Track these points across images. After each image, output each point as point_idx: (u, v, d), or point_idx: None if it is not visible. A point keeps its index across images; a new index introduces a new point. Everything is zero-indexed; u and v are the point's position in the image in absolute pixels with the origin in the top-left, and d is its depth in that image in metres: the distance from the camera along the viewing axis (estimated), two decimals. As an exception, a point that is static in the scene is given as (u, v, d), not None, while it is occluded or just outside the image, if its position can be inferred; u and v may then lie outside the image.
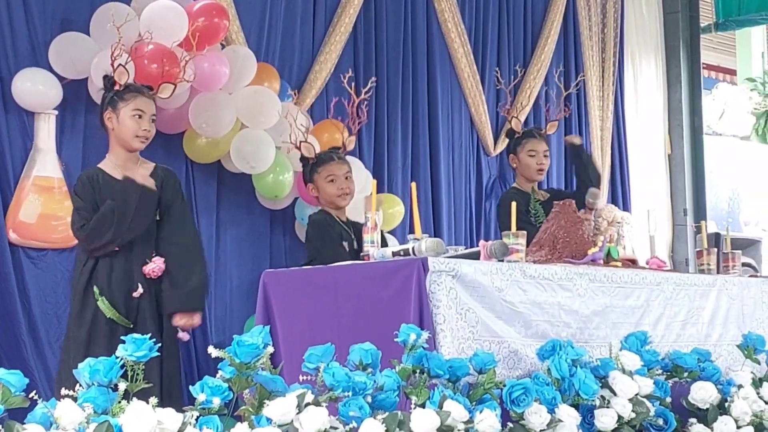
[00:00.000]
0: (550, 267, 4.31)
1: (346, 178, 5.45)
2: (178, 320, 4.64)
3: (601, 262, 4.66)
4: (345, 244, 5.28)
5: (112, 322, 4.53)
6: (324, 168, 5.43)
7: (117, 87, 4.70)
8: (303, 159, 5.55)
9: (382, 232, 4.48)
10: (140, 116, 4.67)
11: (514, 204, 4.54)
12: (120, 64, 4.73)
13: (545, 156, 6.15)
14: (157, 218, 4.71)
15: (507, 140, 6.60)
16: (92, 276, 4.58)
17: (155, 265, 4.62)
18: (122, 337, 4.36)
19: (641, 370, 4.19)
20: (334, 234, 5.31)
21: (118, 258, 4.59)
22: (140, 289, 4.58)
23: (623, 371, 4.13)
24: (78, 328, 4.56)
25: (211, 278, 5.83)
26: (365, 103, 6.05)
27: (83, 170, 4.87)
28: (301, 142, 5.58)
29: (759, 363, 4.84)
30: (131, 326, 4.52)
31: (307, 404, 3.14)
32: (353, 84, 5.96)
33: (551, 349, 3.95)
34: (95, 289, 4.54)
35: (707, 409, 4.39)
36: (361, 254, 4.37)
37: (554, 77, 7.53)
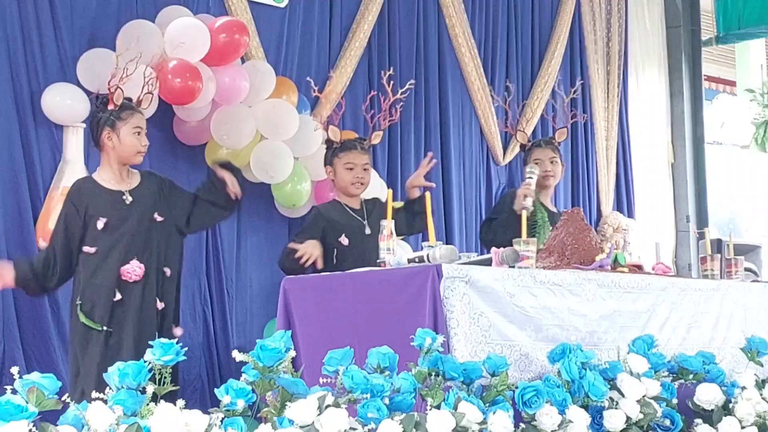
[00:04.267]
0: (559, 273, 4.34)
1: (365, 168, 5.39)
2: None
3: (609, 267, 4.67)
4: (345, 237, 5.24)
5: (88, 327, 4.55)
6: (345, 155, 5.34)
7: (111, 106, 4.69)
8: (328, 141, 5.47)
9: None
10: (139, 133, 4.72)
11: (524, 212, 4.62)
12: (116, 86, 4.75)
13: (551, 162, 5.96)
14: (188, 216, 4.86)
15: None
16: (75, 280, 4.62)
17: (132, 268, 4.62)
18: (98, 341, 4.53)
19: (648, 372, 4.23)
20: (315, 233, 5.24)
21: (100, 260, 4.60)
22: (118, 296, 4.59)
23: (631, 373, 4.18)
24: (73, 333, 4.64)
25: (231, 283, 5.99)
26: (400, 103, 5.93)
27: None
28: (329, 124, 5.54)
29: (762, 365, 4.88)
30: (102, 329, 4.54)
31: (328, 406, 3.19)
32: (391, 83, 5.96)
33: (561, 352, 4.01)
34: (78, 301, 4.57)
35: (712, 410, 4.43)
36: (378, 261, 4.42)
37: (560, 89, 7.53)
